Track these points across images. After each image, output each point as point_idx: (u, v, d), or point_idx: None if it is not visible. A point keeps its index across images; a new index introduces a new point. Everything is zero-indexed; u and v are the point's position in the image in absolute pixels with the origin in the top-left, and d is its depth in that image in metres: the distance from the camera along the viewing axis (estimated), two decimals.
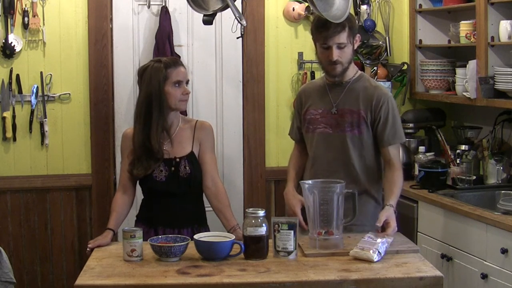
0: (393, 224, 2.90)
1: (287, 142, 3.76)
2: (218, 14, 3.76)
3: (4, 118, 4.10)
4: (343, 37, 3.03)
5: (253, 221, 2.72)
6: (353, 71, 3.19)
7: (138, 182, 3.17)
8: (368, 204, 3.14)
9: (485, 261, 3.26)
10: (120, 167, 3.22)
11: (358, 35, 3.14)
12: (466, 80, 3.93)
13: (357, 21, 4.44)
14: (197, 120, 3.23)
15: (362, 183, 3.13)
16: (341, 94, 3.16)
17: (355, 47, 3.14)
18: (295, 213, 3.13)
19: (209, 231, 3.09)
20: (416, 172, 4.01)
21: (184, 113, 3.96)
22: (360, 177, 3.14)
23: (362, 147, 3.14)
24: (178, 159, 3.11)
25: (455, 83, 4.12)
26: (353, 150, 3.13)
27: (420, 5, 4.43)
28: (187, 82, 3.13)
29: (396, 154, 3.15)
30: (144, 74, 3.09)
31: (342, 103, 3.15)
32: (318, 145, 3.19)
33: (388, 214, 2.94)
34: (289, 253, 2.73)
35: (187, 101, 3.15)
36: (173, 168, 3.09)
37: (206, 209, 3.24)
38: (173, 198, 3.11)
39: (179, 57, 4.16)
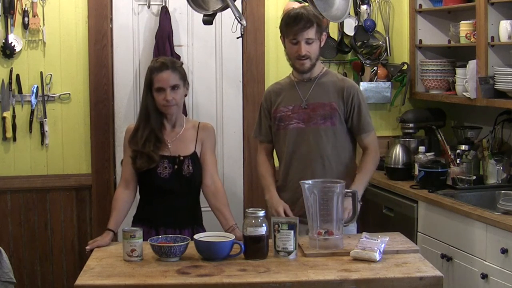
0: (348, 208, 2.98)
1: None
2: (218, 14, 3.76)
3: (4, 118, 4.10)
4: (311, 33, 3.14)
5: (253, 221, 2.72)
6: (319, 68, 3.29)
7: (140, 179, 3.18)
8: None
9: (485, 261, 3.26)
10: (123, 162, 3.22)
11: (324, 33, 3.25)
12: (466, 80, 3.93)
13: (357, 21, 4.46)
14: (199, 122, 3.28)
15: (337, 175, 3.15)
16: (310, 89, 3.24)
17: (322, 44, 3.23)
18: (277, 212, 3.12)
19: (205, 231, 3.09)
20: (416, 172, 4.01)
21: (184, 113, 3.97)
22: (335, 169, 3.20)
23: (335, 139, 3.21)
24: (182, 158, 3.13)
25: (455, 83, 4.12)
26: (327, 142, 3.20)
27: (420, 5, 4.43)
28: (174, 87, 3.11)
29: (370, 140, 3.25)
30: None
31: (312, 98, 3.22)
32: (292, 141, 3.24)
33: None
34: (289, 253, 2.73)
35: (175, 106, 3.13)
36: (176, 166, 3.11)
37: (203, 209, 3.25)
38: (174, 197, 3.13)
39: (179, 57, 4.17)
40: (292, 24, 3.14)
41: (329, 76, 3.29)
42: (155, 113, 3.13)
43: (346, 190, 2.86)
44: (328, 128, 3.20)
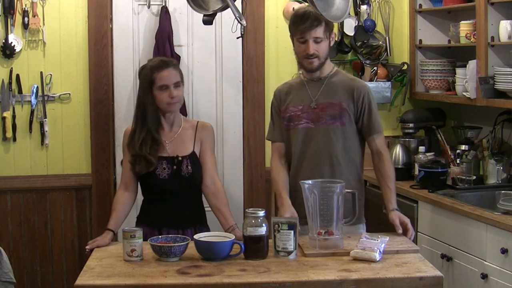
0: (407, 220, 3.03)
1: None
2: (218, 14, 3.76)
3: (4, 118, 4.10)
4: (319, 32, 3.10)
5: (253, 221, 2.72)
6: (329, 67, 3.25)
7: (140, 180, 3.18)
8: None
9: (485, 261, 3.26)
10: (123, 164, 3.22)
11: (334, 32, 3.22)
12: (466, 80, 3.93)
13: (357, 21, 4.46)
14: (198, 121, 3.27)
15: (346, 176, 3.13)
16: (319, 89, 3.20)
17: (331, 44, 3.20)
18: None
19: (209, 231, 3.09)
20: (416, 172, 4.01)
21: (184, 113, 3.97)
22: (344, 169, 3.17)
23: (345, 139, 3.18)
24: (180, 158, 3.12)
25: (455, 83, 4.12)
26: (336, 142, 3.17)
27: (420, 5, 4.44)
28: (176, 84, 3.11)
29: (382, 143, 3.22)
30: (139, 76, 3.17)
31: (322, 97, 3.19)
32: (301, 141, 3.20)
33: (400, 217, 3.04)
34: (289, 253, 2.73)
35: (178, 103, 3.14)
36: (175, 167, 3.11)
37: (206, 209, 3.24)
38: (175, 197, 3.12)
39: (179, 57, 4.17)
40: (299, 22, 3.11)
41: (339, 75, 3.25)
42: (152, 114, 3.10)
43: (346, 190, 2.85)
44: (337, 128, 3.16)
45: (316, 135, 3.18)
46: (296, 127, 3.22)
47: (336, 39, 4.50)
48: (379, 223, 4.08)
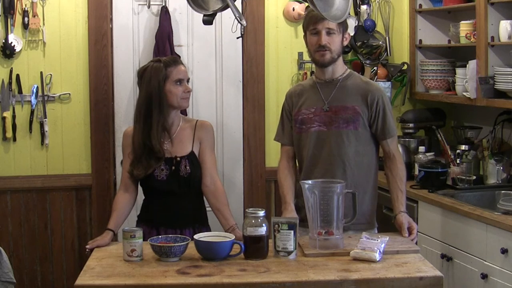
0: (415, 225, 3.04)
1: None
2: (218, 14, 3.76)
3: (4, 118, 4.10)
4: (332, 23, 3.05)
5: (253, 221, 2.72)
6: (342, 69, 3.20)
7: (139, 181, 3.17)
8: (364, 201, 3.13)
9: (485, 261, 3.26)
10: (122, 165, 3.22)
11: (348, 32, 3.18)
12: (466, 80, 3.93)
13: (357, 21, 4.46)
14: (197, 120, 3.24)
15: (358, 180, 3.12)
16: (332, 92, 3.15)
17: (345, 43, 3.16)
18: None
19: (210, 231, 3.09)
20: (416, 172, 4.01)
21: (184, 112, 3.97)
22: (356, 174, 3.13)
23: (357, 143, 3.13)
24: (178, 158, 3.11)
25: (455, 83, 4.13)
26: (349, 146, 3.12)
27: (420, 5, 4.44)
28: (187, 80, 3.14)
29: (395, 146, 3.19)
30: (144, 75, 3.11)
31: (335, 100, 3.14)
32: (313, 144, 3.16)
33: (407, 219, 3.04)
34: (289, 253, 2.73)
35: (189, 98, 3.16)
36: (173, 167, 3.10)
37: (207, 209, 3.24)
38: (174, 198, 3.12)
39: (179, 57, 4.17)
40: (312, 13, 3.05)
41: (353, 78, 3.19)
42: (159, 112, 3.06)
43: (346, 190, 2.85)
44: (350, 132, 3.11)
45: (328, 139, 3.13)
46: (308, 130, 3.17)
47: None
48: (378, 223, 4.09)
